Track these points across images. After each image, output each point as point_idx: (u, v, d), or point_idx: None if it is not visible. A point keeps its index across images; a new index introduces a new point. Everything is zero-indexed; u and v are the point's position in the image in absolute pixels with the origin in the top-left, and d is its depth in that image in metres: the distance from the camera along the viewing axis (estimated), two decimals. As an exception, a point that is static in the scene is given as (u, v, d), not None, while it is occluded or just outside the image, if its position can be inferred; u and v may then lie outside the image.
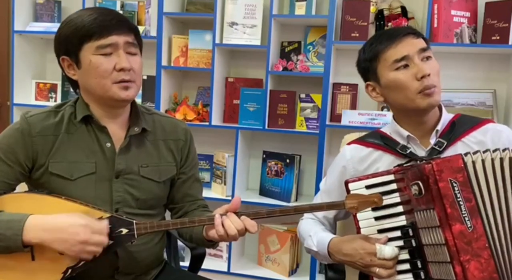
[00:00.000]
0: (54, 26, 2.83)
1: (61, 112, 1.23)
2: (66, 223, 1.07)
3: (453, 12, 2.26)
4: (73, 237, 1.05)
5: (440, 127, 1.29)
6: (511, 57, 2.35)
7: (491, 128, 1.30)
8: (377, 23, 2.42)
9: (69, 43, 1.17)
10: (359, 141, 1.40)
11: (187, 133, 1.38)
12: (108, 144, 1.22)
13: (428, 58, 1.26)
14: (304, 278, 2.53)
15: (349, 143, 1.42)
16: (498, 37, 2.21)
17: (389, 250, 1.15)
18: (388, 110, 2.43)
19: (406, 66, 1.25)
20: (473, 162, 1.09)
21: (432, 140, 1.29)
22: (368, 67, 1.32)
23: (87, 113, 1.21)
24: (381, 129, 1.41)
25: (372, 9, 2.39)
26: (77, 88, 1.25)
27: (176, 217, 1.39)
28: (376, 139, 1.36)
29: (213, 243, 1.25)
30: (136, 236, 1.13)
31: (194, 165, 1.40)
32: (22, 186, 1.25)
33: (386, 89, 1.30)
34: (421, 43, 1.27)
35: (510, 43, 2.19)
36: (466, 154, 1.10)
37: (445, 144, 1.26)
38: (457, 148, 1.26)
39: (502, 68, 2.39)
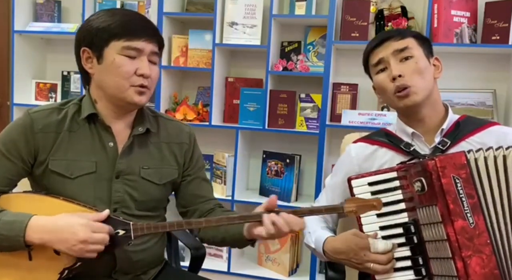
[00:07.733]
0: (54, 26, 2.84)
1: (65, 109, 1.23)
2: (66, 223, 1.08)
3: (453, 12, 2.26)
4: (73, 237, 1.05)
5: (445, 126, 1.30)
6: (511, 57, 2.35)
7: (496, 130, 1.30)
8: (377, 23, 2.42)
9: (96, 36, 1.16)
10: (364, 139, 1.41)
11: (191, 136, 1.37)
12: (111, 144, 1.22)
13: (408, 58, 1.27)
14: (304, 278, 2.53)
15: (354, 141, 1.43)
16: (498, 37, 2.21)
17: (382, 243, 1.16)
18: (388, 110, 2.43)
19: (384, 69, 1.30)
20: (476, 159, 1.10)
21: (437, 139, 1.29)
22: (366, 70, 1.39)
23: (93, 111, 1.21)
24: (387, 128, 1.42)
25: (372, 9, 2.40)
26: (88, 82, 1.25)
27: None
28: (381, 137, 1.38)
29: (252, 242, 1.22)
30: (132, 237, 1.12)
31: (200, 167, 1.39)
32: (23, 185, 1.26)
33: (377, 91, 1.36)
34: (399, 44, 1.27)
35: (510, 43, 2.19)
36: (469, 151, 1.11)
37: (448, 143, 1.27)
38: (460, 148, 1.25)
39: (502, 68, 2.39)
